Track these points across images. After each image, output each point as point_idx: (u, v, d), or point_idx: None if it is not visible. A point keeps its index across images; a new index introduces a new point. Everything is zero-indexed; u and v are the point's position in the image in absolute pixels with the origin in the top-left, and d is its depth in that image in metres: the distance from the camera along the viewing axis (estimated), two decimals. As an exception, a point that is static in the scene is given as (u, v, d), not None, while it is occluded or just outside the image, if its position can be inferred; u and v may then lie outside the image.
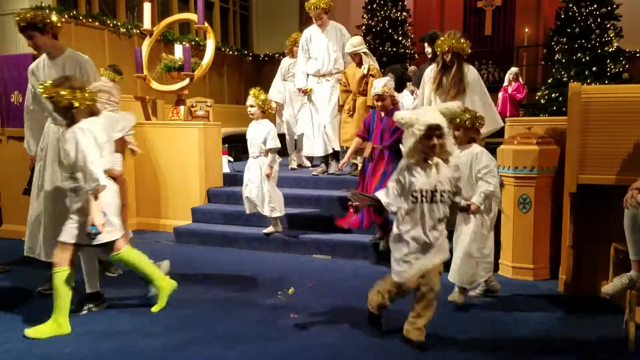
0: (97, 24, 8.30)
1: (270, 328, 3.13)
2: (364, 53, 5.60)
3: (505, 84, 9.78)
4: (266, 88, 13.66)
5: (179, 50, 6.52)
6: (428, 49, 5.72)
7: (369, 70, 5.52)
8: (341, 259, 4.69)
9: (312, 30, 6.11)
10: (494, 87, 12.19)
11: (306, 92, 6.19)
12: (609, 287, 3.00)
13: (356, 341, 2.95)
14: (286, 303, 3.56)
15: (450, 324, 3.20)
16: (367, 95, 5.39)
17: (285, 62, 7.36)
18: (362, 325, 3.17)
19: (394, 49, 11.97)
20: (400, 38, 12.03)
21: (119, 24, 8.67)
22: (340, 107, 5.85)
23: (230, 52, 11.48)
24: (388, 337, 3.01)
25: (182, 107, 6.41)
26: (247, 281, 4.10)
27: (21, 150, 5.45)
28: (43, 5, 7.25)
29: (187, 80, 6.34)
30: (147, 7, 6.63)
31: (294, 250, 4.91)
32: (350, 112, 5.61)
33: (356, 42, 5.61)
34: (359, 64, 5.61)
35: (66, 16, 7.67)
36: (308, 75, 6.20)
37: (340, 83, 5.81)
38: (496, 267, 4.24)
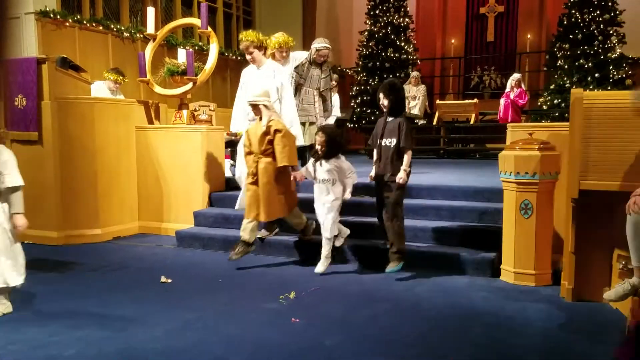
0: (101, 28, 8.36)
1: (272, 332, 3.13)
2: (265, 106, 4.57)
3: (508, 90, 9.79)
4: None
5: (182, 55, 6.55)
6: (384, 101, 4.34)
7: (269, 126, 4.48)
8: (342, 264, 4.68)
9: (249, 69, 5.38)
10: (496, 93, 12.26)
11: (235, 136, 5.70)
12: (611, 293, 3.00)
13: (358, 345, 2.95)
14: (288, 307, 3.56)
15: (450, 328, 3.19)
16: (272, 157, 4.46)
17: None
18: (364, 329, 3.17)
19: (397, 55, 12.01)
20: (402, 44, 12.08)
21: (123, 28, 8.72)
22: None
23: (234, 57, 11.53)
24: (391, 341, 3.01)
25: (185, 111, 6.43)
26: (248, 285, 4.10)
27: (25, 153, 5.50)
28: (47, 9, 7.30)
29: (190, 85, 6.36)
30: (150, 12, 6.67)
31: (295, 254, 4.91)
32: (254, 178, 4.56)
33: (257, 93, 4.64)
34: (262, 118, 4.62)
35: (70, 20, 7.72)
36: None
37: (244, 144, 4.78)
38: (498, 273, 4.25)
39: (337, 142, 4.37)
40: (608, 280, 3.55)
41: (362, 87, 12.05)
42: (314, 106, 5.85)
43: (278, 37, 5.62)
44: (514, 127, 4.73)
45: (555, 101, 10.52)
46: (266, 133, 4.51)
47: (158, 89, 6.57)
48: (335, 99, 6.71)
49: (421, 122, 10.96)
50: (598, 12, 10.37)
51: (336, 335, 3.08)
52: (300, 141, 5.26)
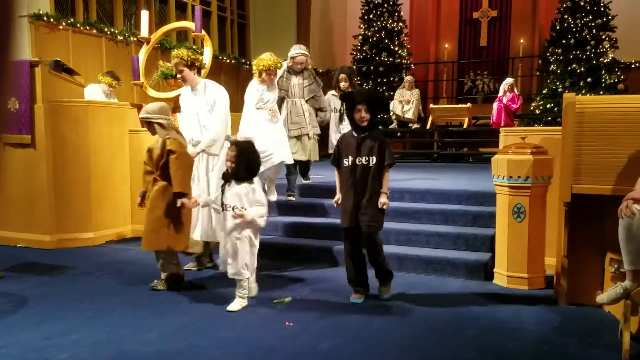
0: (94, 31, 8.33)
1: (266, 336, 3.12)
2: (159, 124, 4.05)
3: (500, 94, 9.84)
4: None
5: (176, 58, 6.53)
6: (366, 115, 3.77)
7: (164, 145, 3.99)
8: (339, 268, 4.68)
9: (185, 90, 4.79)
10: (488, 97, 12.30)
11: None
12: (603, 296, 3.01)
13: (353, 349, 2.95)
14: (282, 311, 3.56)
15: (444, 331, 3.20)
16: (169, 179, 3.98)
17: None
18: (359, 332, 3.17)
19: (391, 59, 12.06)
20: (396, 48, 12.12)
21: (117, 31, 8.70)
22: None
23: (228, 61, 11.53)
24: (386, 345, 3.01)
25: (178, 115, 6.41)
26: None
27: (18, 156, 5.47)
28: (41, 12, 7.27)
29: (184, 88, 6.34)
30: (144, 15, 6.66)
31: (290, 257, 4.90)
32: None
33: (151, 109, 4.13)
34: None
35: (64, 23, 7.69)
36: None
37: (144, 162, 4.34)
38: (491, 276, 4.26)
39: (252, 161, 3.60)
40: (601, 283, 3.57)
41: (356, 91, 12.03)
42: (303, 117, 5.64)
43: (266, 59, 5.15)
44: (507, 131, 4.76)
45: (548, 105, 10.59)
46: (162, 153, 4.01)
47: (152, 92, 6.56)
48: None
49: (415, 126, 10.99)
50: (590, 17, 10.45)
51: (331, 339, 3.08)
52: (276, 158, 5.19)
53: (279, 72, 5.45)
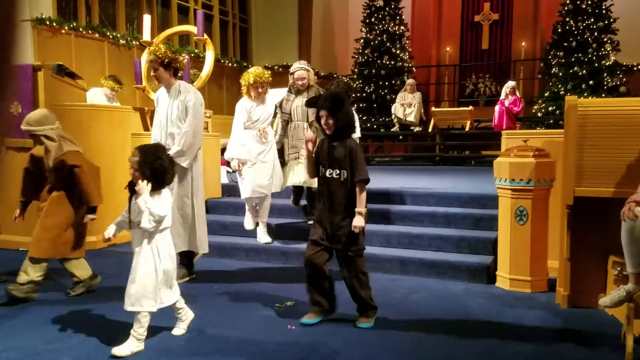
0: (97, 35, 8.36)
1: (269, 338, 3.12)
2: (47, 137, 3.75)
3: (502, 97, 9.84)
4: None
5: (178, 62, 6.55)
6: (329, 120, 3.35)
7: (62, 161, 3.75)
8: (337, 269, 4.66)
9: (161, 91, 4.40)
10: (490, 100, 12.31)
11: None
12: (606, 299, 3.00)
13: (357, 352, 2.94)
14: (284, 315, 3.55)
15: (447, 334, 3.19)
16: (66, 188, 3.82)
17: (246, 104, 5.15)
18: (363, 336, 3.16)
19: (392, 62, 12.07)
20: (398, 52, 12.14)
21: (119, 35, 8.73)
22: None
23: (230, 64, 11.55)
24: (389, 348, 3.00)
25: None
26: (245, 292, 4.09)
27: (18, 160, 5.48)
28: (43, 17, 7.30)
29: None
30: (146, 19, 6.68)
31: (292, 261, 4.90)
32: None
33: (33, 119, 3.77)
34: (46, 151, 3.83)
35: (66, 27, 7.72)
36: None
37: (27, 169, 4.16)
38: (493, 279, 4.25)
39: (157, 168, 2.94)
40: (603, 286, 3.56)
41: (358, 95, 12.09)
42: (304, 141, 4.72)
43: (250, 72, 4.96)
44: (509, 134, 4.75)
45: (550, 108, 10.58)
46: (58, 168, 3.75)
47: (154, 96, 6.57)
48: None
49: (417, 129, 10.99)
50: (592, 20, 10.45)
51: (334, 342, 3.08)
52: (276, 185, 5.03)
53: (277, 92, 5.15)
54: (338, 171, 3.24)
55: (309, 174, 3.49)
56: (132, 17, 9.46)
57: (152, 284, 2.92)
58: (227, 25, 11.97)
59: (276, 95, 5.19)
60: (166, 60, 4.14)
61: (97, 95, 7.14)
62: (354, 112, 3.37)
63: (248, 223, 5.24)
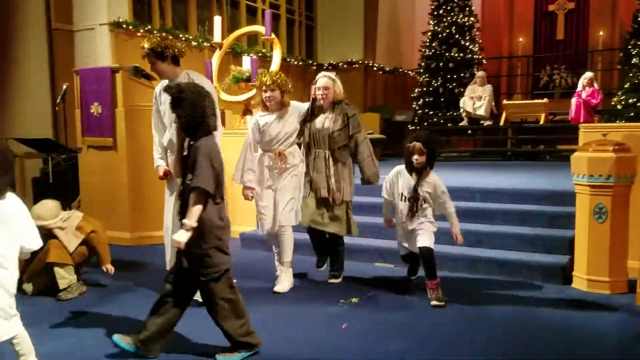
0: (170, 37, 8.67)
1: (333, 336, 3.13)
2: (59, 228, 3.84)
3: (579, 89, 9.37)
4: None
5: (246, 62, 6.71)
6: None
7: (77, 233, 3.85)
8: (405, 268, 4.62)
9: (162, 84, 3.93)
10: (566, 92, 11.76)
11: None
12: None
13: (422, 353, 2.90)
14: (348, 311, 3.56)
15: (518, 336, 3.08)
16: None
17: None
18: (428, 336, 3.12)
19: (461, 55, 11.79)
20: (467, 43, 11.84)
21: (191, 37, 9.02)
22: None
23: (295, 62, 11.67)
24: (457, 349, 2.94)
25: (248, 117, 6.57)
26: (310, 288, 4.13)
27: (101, 158, 5.80)
28: (120, 20, 7.66)
29: (254, 91, 6.49)
30: (217, 21, 6.86)
31: (356, 257, 4.90)
32: None
33: (46, 214, 3.81)
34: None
35: (142, 30, 8.06)
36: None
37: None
38: (569, 280, 4.07)
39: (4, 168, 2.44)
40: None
41: (424, 89, 11.91)
42: (324, 175, 3.97)
43: (260, 75, 4.09)
44: (587, 127, 4.54)
45: (630, 100, 9.95)
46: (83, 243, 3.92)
47: (224, 96, 6.76)
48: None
49: (487, 123, 10.67)
50: (677, 6, 9.76)
51: (399, 341, 3.05)
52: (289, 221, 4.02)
53: (298, 105, 4.07)
54: (191, 176, 2.75)
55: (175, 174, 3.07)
56: (203, 19, 9.75)
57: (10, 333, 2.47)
58: (294, 23, 12.10)
59: (303, 108, 4.11)
60: (158, 48, 3.60)
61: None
62: (212, 107, 2.80)
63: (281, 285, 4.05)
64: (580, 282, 3.98)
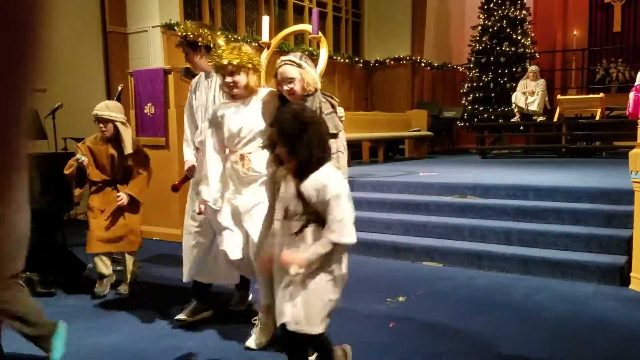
0: (206, 28, 8.83)
1: (378, 335, 3.12)
2: (123, 124, 3.95)
3: (637, 83, 8.94)
4: (378, 95, 13.55)
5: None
6: None
7: (133, 146, 3.95)
8: (453, 267, 4.56)
9: (198, 79, 3.56)
10: (624, 87, 11.27)
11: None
12: None
13: (473, 354, 2.86)
14: (395, 310, 3.54)
15: (574, 339, 2.99)
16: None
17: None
18: (480, 336, 3.06)
19: (512, 49, 11.49)
20: (519, 37, 11.54)
21: (239, 37, 9.16)
22: None
23: (342, 60, 11.66)
24: (510, 350, 2.88)
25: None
26: (354, 286, 4.10)
27: (154, 157, 5.96)
28: (171, 22, 7.86)
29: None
30: (265, 21, 6.90)
31: (403, 256, 4.86)
32: None
33: (112, 106, 3.97)
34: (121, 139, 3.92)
35: (192, 32, 8.24)
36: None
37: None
38: (627, 281, 3.91)
39: None
40: None
41: (474, 84, 11.68)
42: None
43: (213, 53, 3.01)
44: (647, 123, 4.33)
45: (696, 93, 9.45)
46: (137, 152, 4.10)
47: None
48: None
49: (540, 118, 10.36)
50: None
51: (449, 342, 3.01)
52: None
53: (273, 93, 2.96)
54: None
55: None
56: (251, 19, 9.88)
57: None
58: (340, 21, 12.09)
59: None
60: (190, 37, 3.30)
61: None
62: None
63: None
64: (638, 283, 3.82)
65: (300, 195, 2.18)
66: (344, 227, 2.14)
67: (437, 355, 2.84)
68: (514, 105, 10.45)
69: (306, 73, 2.82)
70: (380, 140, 9.78)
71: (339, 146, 2.82)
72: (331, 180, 2.17)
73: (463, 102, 11.94)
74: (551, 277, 4.15)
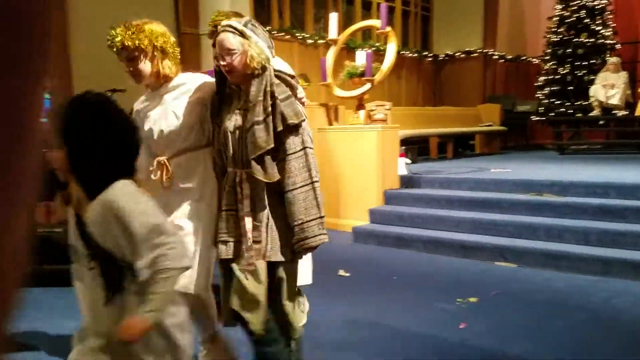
0: (287, 37, 8.94)
1: (447, 335, 3.04)
2: None
3: None
4: (447, 89, 13.34)
5: (360, 57, 6.72)
6: None
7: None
8: (528, 268, 4.38)
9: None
10: None
11: None
12: None
13: (546, 357, 2.73)
14: (466, 311, 3.44)
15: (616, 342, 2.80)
16: None
17: None
18: (557, 339, 2.93)
19: (592, 40, 10.91)
20: (598, 28, 10.95)
21: (307, 35, 9.23)
22: None
23: (409, 54, 11.50)
24: (589, 355, 2.74)
25: (361, 112, 6.59)
26: (423, 284, 4.05)
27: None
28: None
29: (367, 85, 6.50)
30: (333, 17, 6.95)
31: (473, 256, 4.72)
32: None
33: None
34: None
35: (261, 31, 8.40)
36: None
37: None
38: None
39: None
40: None
41: (550, 77, 11.19)
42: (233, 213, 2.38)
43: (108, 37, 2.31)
44: None
45: None
46: None
47: (337, 92, 6.84)
48: None
49: (621, 112, 9.77)
50: None
51: (524, 344, 2.89)
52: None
53: (201, 79, 2.56)
54: None
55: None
56: (319, 17, 9.93)
57: None
58: (409, 15, 11.92)
59: (196, 82, 2.50)
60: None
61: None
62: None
63: None
64: None
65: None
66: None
67: (510, 357, 2.73)
68: (593, 98, 9.92)
69: (251, 45, 2.10)
70: (449, 135, 9.56)
71: (305, 140, 2.15)
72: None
73: (538, 95, 11.48)
74: (633, 279, 3.91)
